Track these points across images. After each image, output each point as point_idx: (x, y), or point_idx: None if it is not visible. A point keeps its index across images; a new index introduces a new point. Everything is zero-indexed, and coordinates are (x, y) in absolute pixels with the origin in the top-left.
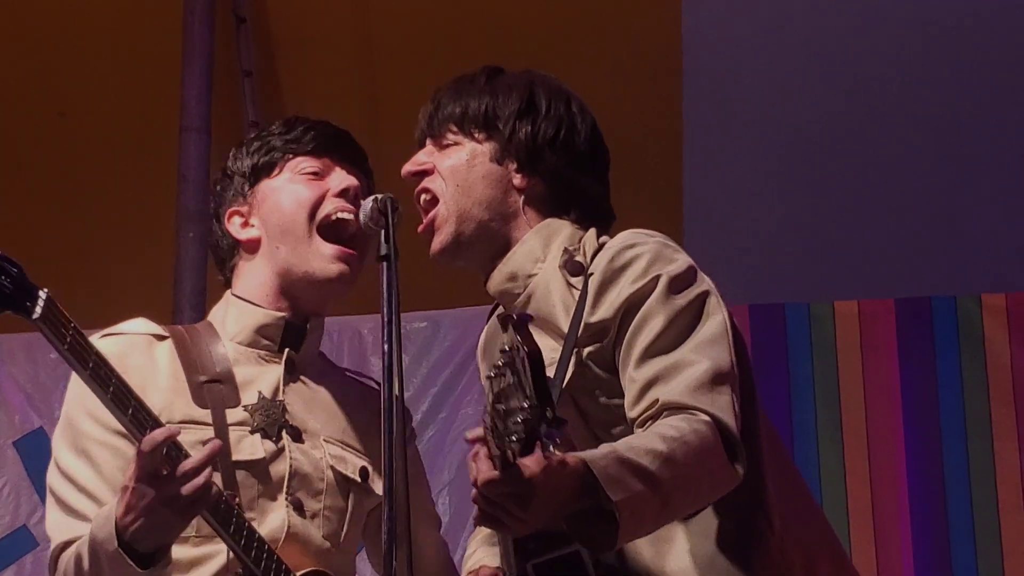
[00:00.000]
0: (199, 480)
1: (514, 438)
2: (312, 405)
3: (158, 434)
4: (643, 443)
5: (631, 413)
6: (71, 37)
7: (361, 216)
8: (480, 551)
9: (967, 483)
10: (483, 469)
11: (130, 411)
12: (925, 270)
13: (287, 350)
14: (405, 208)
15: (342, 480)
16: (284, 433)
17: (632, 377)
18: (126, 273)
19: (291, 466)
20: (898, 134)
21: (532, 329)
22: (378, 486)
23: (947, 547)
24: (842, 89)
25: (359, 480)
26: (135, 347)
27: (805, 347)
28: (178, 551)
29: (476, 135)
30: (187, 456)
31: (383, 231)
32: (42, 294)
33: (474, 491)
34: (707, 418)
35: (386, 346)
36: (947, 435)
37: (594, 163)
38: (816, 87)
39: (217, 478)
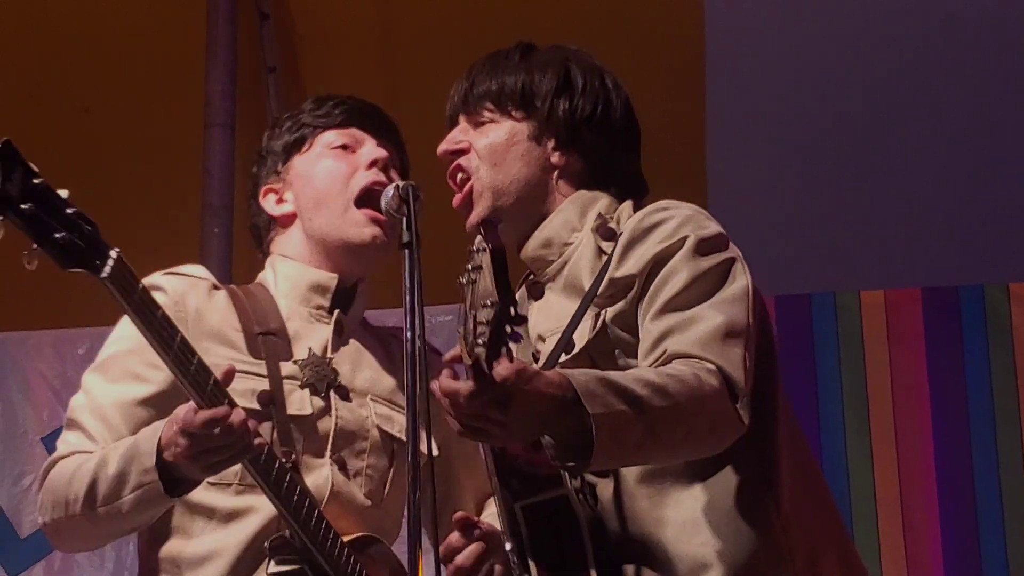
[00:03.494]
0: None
1: (480, 340)
2: (360, 365)
3: (217, 413)
4: (635, 373)
5: (642, 364)
6: (95, 33)
7: (383, 203)
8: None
9: (996, 472)
10: (455, 384)
11: (192, 371)
12: (952, 259)
13: (336, 311)
14: (428, 196)
15: (387, 439)
16: (332, 391)
17: (648, 329)
18: (151, 268)
19: (336, 423)
20: (923, 123)
21: (560, 293)
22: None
23: (976, 536)
24: (867, 78)
25: (405, 439)
26: (196, 288)
27: (832, 337)
28: (217, 498)
29: (514, 113)
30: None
31: (404, 219)
32: (113, 254)
33: (450, 406)
34: (712, 367)
35: (409, 333)
36: (975, 424)
37: (629, 138)
38: (840, 76)
39: (267, 431)
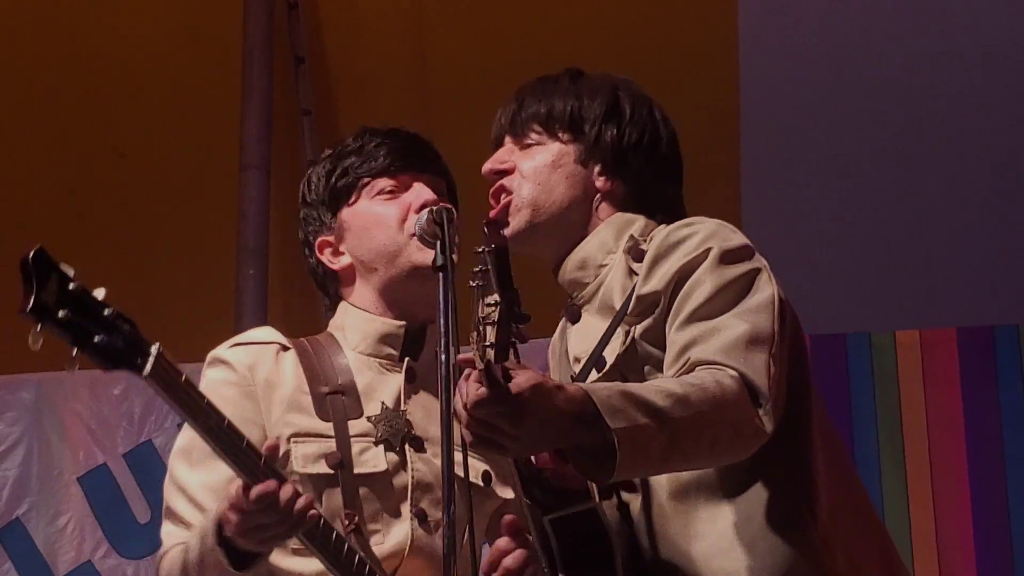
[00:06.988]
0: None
1: (489, 342)
2: (433, 413)
3: (264, 489)
4: (656, 384)
5: (667, 373)
6: (131, 78)
7: (416, 228)
8: None
9: None
10: (471, 390)
11: (241, 454)
12: (987, 299)
13: (407, 359)
14: (464, 223)
15: (464, 487)
16: (407, 444)
17: (673, 339)
18: (187, 311)
19: (414, 477)
20: (959, 162)
21: (595, 315)
22: (500, 489)
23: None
24: (902, 118)
25: (482, 484)
26: (264, 355)
27: (867, 377)
28: (304, 564)
29: (561, 136)
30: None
31: (439, 242)
32: (153, 350)
33: (464, 415)
34: (734, 373)
35: (443, 356)
36: (1011, 464)
37: (673, 169)
38: (875, 117)
39: (337, 494)
